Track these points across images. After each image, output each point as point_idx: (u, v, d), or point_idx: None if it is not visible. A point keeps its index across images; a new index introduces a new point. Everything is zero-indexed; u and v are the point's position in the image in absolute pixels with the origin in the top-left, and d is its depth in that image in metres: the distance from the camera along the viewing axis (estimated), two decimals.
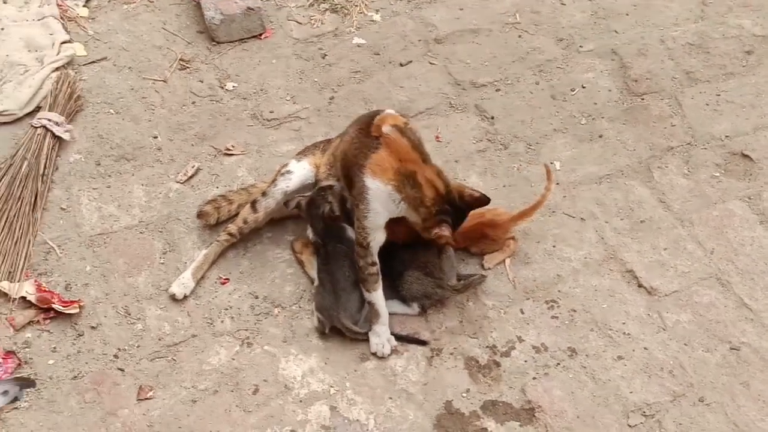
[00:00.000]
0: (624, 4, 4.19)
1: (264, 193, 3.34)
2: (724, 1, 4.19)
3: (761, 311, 3.22)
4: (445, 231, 2.98)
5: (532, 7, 4.18)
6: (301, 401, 3.05)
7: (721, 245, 3.39)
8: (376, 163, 3.01)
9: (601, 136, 3.73)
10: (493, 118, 3.79)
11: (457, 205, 3.01)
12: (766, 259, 3.35)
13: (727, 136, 3.70)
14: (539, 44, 4.04)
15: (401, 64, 3.99)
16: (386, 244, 3.18)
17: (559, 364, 3.12)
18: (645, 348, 3.15)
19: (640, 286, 3.30)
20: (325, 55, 4.03)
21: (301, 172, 3.35)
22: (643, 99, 3.84)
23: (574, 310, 3.25)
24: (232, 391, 3.07)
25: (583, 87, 3.89)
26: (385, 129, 3.04)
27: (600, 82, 3.90)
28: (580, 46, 4.03)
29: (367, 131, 3.11)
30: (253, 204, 3.35)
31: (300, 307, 3.28)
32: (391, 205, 3.03)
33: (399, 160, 2.99)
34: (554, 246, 3.41)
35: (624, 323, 3.21)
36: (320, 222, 3.24)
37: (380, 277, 3.15)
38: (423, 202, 2.97)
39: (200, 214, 3.43)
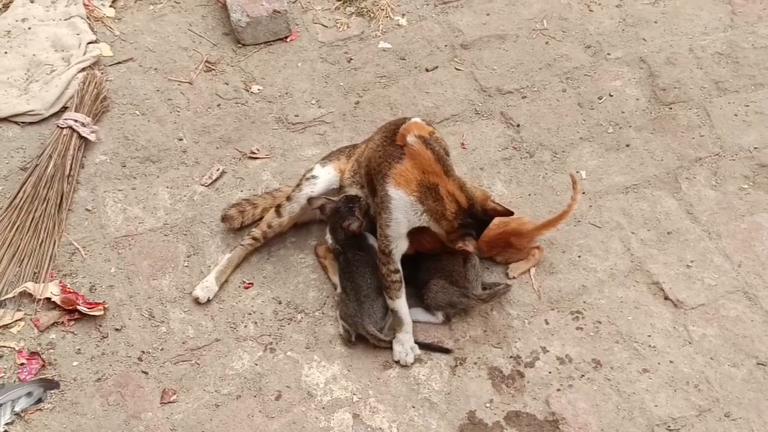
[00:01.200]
0: (653, 12, 4.16)
1: (289, 198, 3.34)
2: (753, 10, 4.14)
3: None
4: (469, 246, 2.97)
5: (560, 14, 4.15)
6: (323, 408, 3.04)
7: (748, 258, 3.36)
8: (400, 174, 3.00)
9: (628, 146, 3.70)
10: (519, 125, 3.77)
11: (479, 217, 2.99)
12: None
13: (755, 148, 3.67)
14: (566, 51, 4.02)
15: (427, 70, 3.98)
16: (411, 252, 3.17)
17: (583, 375, 3.10)
18: (670, 361, 3.12)
19: (666, 298, 3.27)
20: (351, 59, 4.02)
21: (326, 176, 3.34)
22: (671, 108, 3.81)
23: (599, 322, 3.22)
24: (254, 397, 3.07)
25: (611, 95, 3.86)
26: (410, 139, 3.02)
27: (628, 91, 3.87)
28: (608, 54, 4.00)
29: (392, 139, 3.10)
30: (278, 208, 3.34)
31: (323, 313, 3.27)
32: (413, 216, 3.02)
33: (422, 172, 2.98)
34: (579, 256, 3.39)
35: (649, 336, 3.19)
36: (342, 232, 3.23)
37: (403, 284, 3.14)
38: (444, 215, 2.95)
39: (225, 218, 3.43)
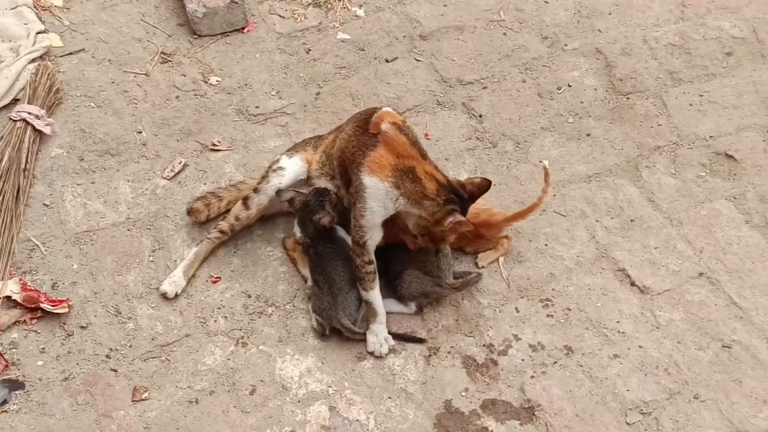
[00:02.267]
0: (606, 3, 4.22)
1: (256, 190, 3.29)
2: (702, 2, 4.24)
3: (750, 309, 3.27)
4: (458, 217, 2.96)
5: (516, 5, 4.18)
6: (299, 401, 3.02)
7: (709, 244, 3.44)
8: (374, 161, 2.99)
9: (588, 135, 3.75)
10: (481, 116, 3.79)
11: (460, 194, 3.00)
12: (752, 258, 3.41)
13: (711, 137, 3.76)
14: (524, 42, 4.05)
15: (387, 61, 3.97)
16: (382, 244, 3.16)
17: (556, 362, 3.14)
18: (640, 346, 3.18)
19: (632, 284, 3.33)
20: (309, 50, 3.99)
21: (293, 168, 3.30)
22: (628, 98, 3.88)
23: (569, 309, 3.27)
24: (228, 392, 3.02)
25: (569, 86, 3.91)
26: (384, 126, 3.02)
27: (586, 81, 3.93)
28: (565, 45, 4.05)
29: (364, 129, 3.08)
30: (245, 201, 3.30)
31: (294, 306, 3.24)
32: (388, 203, 3.00)
33: (397, 157, 2.97)
34: (546, 245, 3.43)
35: (618, 322, 3.24)
36: (312, 226, 3.20)
37: (377, 275, 3.13)
38: (426, 194, 2.95)
39: (190, 211, 3.36)
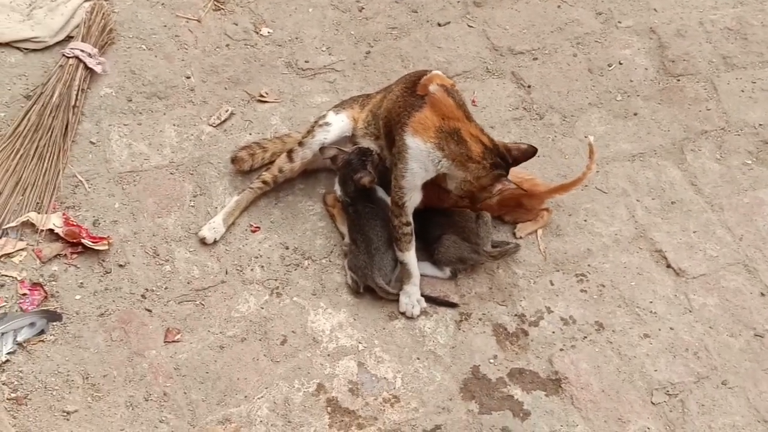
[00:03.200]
0: None
1: (301, 143, 3.31)
2: None
3: None
4: (508, 184, 2.97)
5: None
6: (329, 355, 3.05)
7: (750, 232, 3.42)
8: (418, 122, 2.99)
9: (635, 114, 3.72)
10: (529, 86, 3.77)
11: (507, 159, 3.00)
12: None
13: (760, 125, 3.71)
14: (578, 16, 4.01)
15: (439, 24, 3.95)
16: (421, 207, 3.17)
17: (586, 337, 3.15)
18: (671, 328, 3.18)
19: (668, 266, 3.32)
20: (363, 8, 3.98)
21: (339, 124, 3.31)
22: (678, 80, 3.84)
23: (603, 285, 3.27)
24: (260, 340, 3.06)
25: (620, 63, 3.87)
26: (432, 88, 3.02)
27: (637, 60, 3.89)
28: (619, 22, 4.01)
29: (412, 90, 3.09)
30: (290, 153, 3.32)
31: (330, 261, 3.27)
32: (429, 165, 3.01)
33: (442, 118, 2.97)
34: (585, 220, 3.42)
35: (651, 302, 3.24)
36: (352, 184, 3.22)
37: (414, 237, 3.14)
38: (471, 157, 2.95)
39: (234, 160, 3.39)
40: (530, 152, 3.04)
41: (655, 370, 3.08)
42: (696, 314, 3.22)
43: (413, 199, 3.08)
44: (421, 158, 2.98)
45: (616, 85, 3.81)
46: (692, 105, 3.76)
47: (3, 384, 2.89)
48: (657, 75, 3.86)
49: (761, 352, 3.14)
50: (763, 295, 3.27)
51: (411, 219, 3.11)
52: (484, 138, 2.97)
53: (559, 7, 4.04)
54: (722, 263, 3.34)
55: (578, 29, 3.98)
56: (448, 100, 2.97)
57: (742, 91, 3.81)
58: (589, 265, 3.31)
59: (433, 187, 3.13)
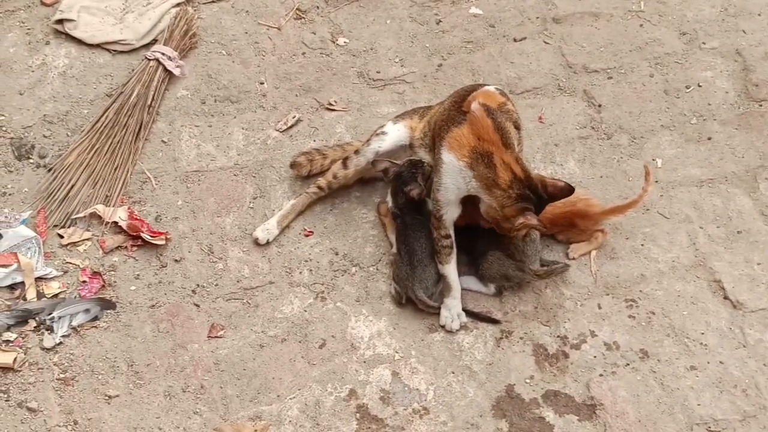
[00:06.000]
0: (758, 3, 3.99)
1: (357, 151, 3.36)
2: None
3: None
4: (531, 220, 2.91)
5: None
6: (365, 362, 3.08)
7: None
8: (455, 138, 2.99)
9: (709, 139, 3.60)
10: (600, 105, 3.70)
11: (539, 193, 2.94)
12: None
13: None
14: (660, 35, 3.91)
15: (515, 40, 3.92)
16: (461, 224, 3.16)
17: (628, 364, 3.06)
18: (721, 362, 3.06)
19: (725, 298, 3.20)
20: (440, 21, 4.00)
21: (395, 134, 3.34)
22: (761, 105, 3.68)
23: (653, 313, 3.17)
24: (299, 342, 3.13)
25: (699, 85, 3.75)
26: (473, 106, 2.99)
27: (718, 83, 3.75)
28: (703, 43, 3.88)
29: (459, 104, 3.09)
30: (345, 160, 3.37)
31: (377, 269, 3.30)
32: (461, 182, 2.99)
33: (478, 139, 2.94)
34: (643, 245, 3.33)
35: (703, 333, 3.12)
36: (402, 196, 3.24)
37: (454, 250, 3.14)
38: (497, 183, 2.91)
39: (293, 165, 3.47)
40: (567, 190, 2.96)
41: (699, 405, 2.97)
42: (750, 350, 3.08)
43: (450, 212, 3.08)
44: (453, 174, 2.98)
45: (693, 107, 3.69)
46: None
47: (54, 365, 3.05)
48: (738, 99, 3.71)
49: None
50: None
51: (450, 232, 3.11)
52: (516, 168, 2.91)
53: (641, 25, 3.95)
54: None
55: (659, 49, 3.87)
56: (486, 121, 2.94)
57: None
58: (640, 291, 3.22)
59: (475, 205, 3.11)
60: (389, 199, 3.33)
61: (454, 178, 2.98)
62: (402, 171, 3.25)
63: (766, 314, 3.16)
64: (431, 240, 3.18)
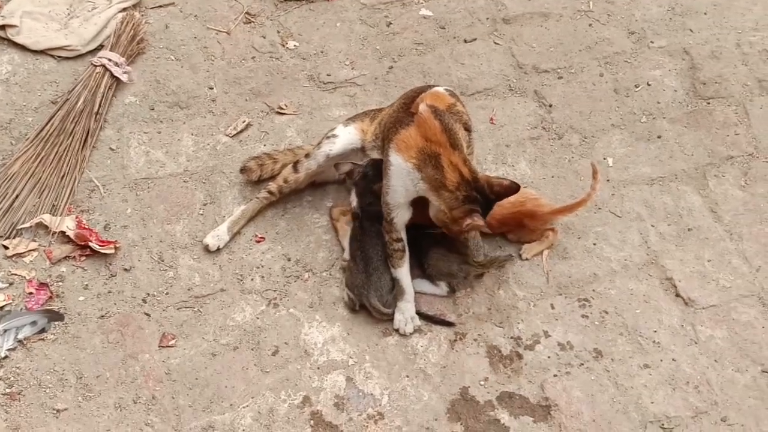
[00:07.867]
0: (703, 3, 4.04)
1: (307, 155, 3.33)
2: None
3: None
4: (477, 220, 2.88)
5: None
6: (318, 368, 3.05)
7: None
8: (402, 140, 2.97)
9: (659, 137, 3.62)
10: (551, 105, 3.71)
11: (485, 194, 2.91)
12: None
13: None
14: (609, 35, 3.93)
15: (465, 41, 3.92)
16: (409, 225, 3.14)
17: (582, 364, 3.07)
18: (673, 359, 3.07)
19: (677, 295, 3.22)
20: (390, 23, 3.98)
21: (346, 136, 3.31)
22: (708, 103, 3.72)
23: (606, 312, 3.18)
24: (252, 350, 3.09)
25: (648, 84, 3.77)
26: (421, 107, 2.97)
27: (666, 81, 3.78)
28: (651, 42, 3.91)
29: (408, 106, 3.08)
30: (295, 165, 3.34)
31: (330, 274, 3.27)
32: (409, 184, 2.97)
33: (425, 140, 2.92)
34: (595, 244, 3.34)
35: (655, 331, 3.13)
36: (369, 196, 3.21)
37: (406, 253, 3.13)
38: (445, 185, 2.89)
39: (243, 170, 3.43)
40: (512, 189, 2.93)
41: (652, 402, 2.98)
42: (701, 346, 3.10)
43: (401, 215, 3.06)
44: (402, 176, 2.96)
45: (642, 106, 3.71)
46: (720, 129, 3.64)
47: (0, 379, 2.99)
48: (686, 97, 3.74)
49: (767, 389, 3.00)
50: None
51: (402, 235, 3.09)
52: (464, 169, 2.88)
53: (590, 25, 3.97)
54: (735, 295, 3.21)
55: (608, 48, 3.89)
56: (434, 122, 2.91)
57: None
58: (593, 290, 3.23)
59: (423, 207, 3.09)
60: (354, 200, 3.26)
61: (402, 180, 2.96)
62: (367, 171, 3.21)
63: (717, 311, 3.18)
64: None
